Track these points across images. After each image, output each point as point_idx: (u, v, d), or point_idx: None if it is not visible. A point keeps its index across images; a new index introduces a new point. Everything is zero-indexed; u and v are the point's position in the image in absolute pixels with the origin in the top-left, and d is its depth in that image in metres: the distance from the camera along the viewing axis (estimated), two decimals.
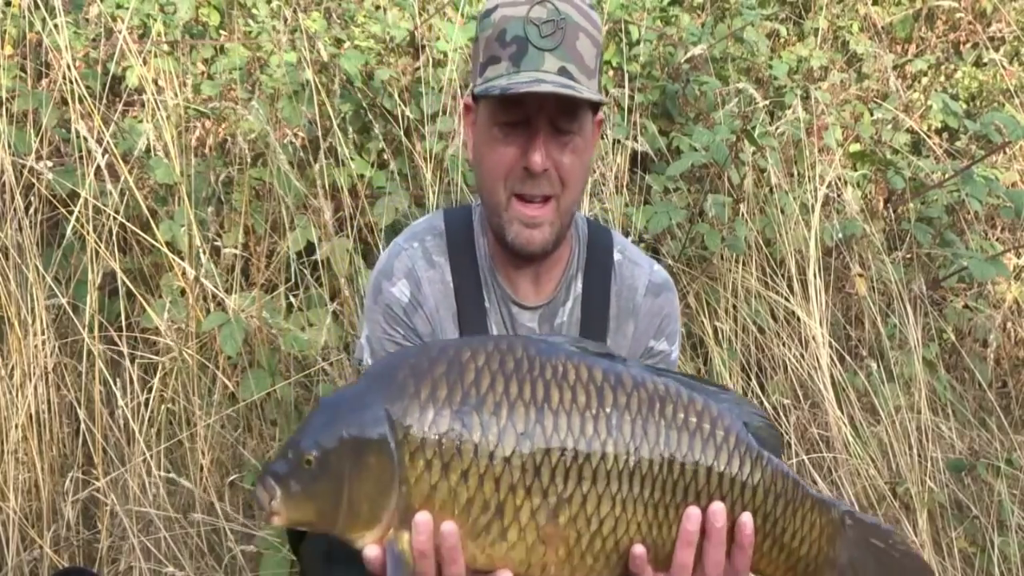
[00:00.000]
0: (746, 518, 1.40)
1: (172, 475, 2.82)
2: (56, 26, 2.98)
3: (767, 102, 3.67)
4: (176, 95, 3.18)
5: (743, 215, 3.40)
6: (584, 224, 2.01)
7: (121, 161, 2.90)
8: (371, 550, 1.30)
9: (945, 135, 4.38)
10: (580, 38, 1.71)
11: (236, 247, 3.05)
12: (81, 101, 2.93)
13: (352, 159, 3.18)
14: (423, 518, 1.27)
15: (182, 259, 2.91)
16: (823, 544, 1.48)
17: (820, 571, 1.49)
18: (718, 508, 1.37)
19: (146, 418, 2.86)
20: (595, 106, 1.79)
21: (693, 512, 1.37)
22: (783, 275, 3.38)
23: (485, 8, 1.78)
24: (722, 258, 3.41)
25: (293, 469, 1.29)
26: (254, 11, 3.65)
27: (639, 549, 1.35)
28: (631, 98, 3.56)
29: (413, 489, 1.28)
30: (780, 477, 1.44)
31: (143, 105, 3.19)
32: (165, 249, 2.89)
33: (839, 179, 3.66)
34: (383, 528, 1.30)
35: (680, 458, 1.36)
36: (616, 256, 1.97)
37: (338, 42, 3.50)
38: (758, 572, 1.49)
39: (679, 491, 1.37)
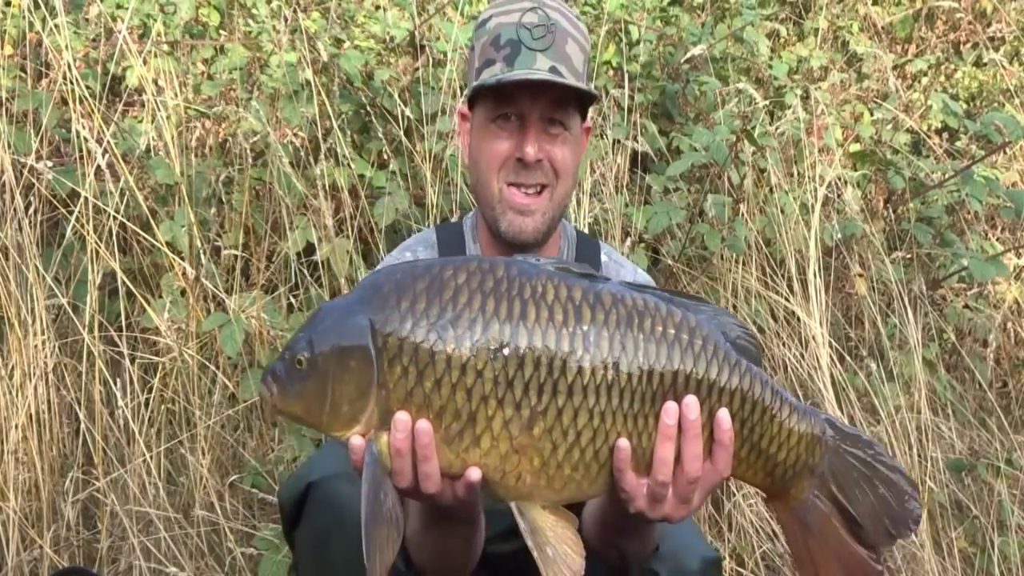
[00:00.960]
0: (723, 414, 1.43)
1: (172, 475, 2.82)
2: (56, 26, 2.98)
3: (767, 102, 3.67)
4: (176, 95, 3.18)
5: (743, 215, 3.40)
6: (572, 230, 2.09)
7: (121, 161, 2.90)
8: (355, 439, 1.38)
9: (945, 135, 4.38)
10: (569, 43, 1.83)
11: (237, 247, 3.05)
12: (81, 101, 2.93)
13: (352, 159, 3.18)
14: (402, 417, 1.35)
15: (182, 259, 2.91)
16: (802, 452, 1.50)
17: (799, 478, 1.51)
18: (691, 400, 1.41)
19: (146, 418, 2.86)
20: (583, 112, 1.90)
21: (671, 406, 1.41)
22: (783, 275, 3.38)
23: (480, 18, 1.91)
24: (722, 258, 3.41)
25: (287, 368, 1.40)
26: (254, 11, 3.65)
27: (623, 443, 1.40)
28: (631, 98, 3.56)
29: (391, 393, 1.36)
30: (758, 384, 1.47)
31: (143, 105, 3.19)
32: (166, 249, 2.89)
33: (839, 179, 3.66)
34: (363, 428, 1.38)
35: (658, 368, 1.41)
36: (603, 258, 2.06)
37: (338, 42, 3.49)
38: (738, 478, 1.52)
39: (658, 401, 1.41)
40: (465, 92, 1.93)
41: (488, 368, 1.36)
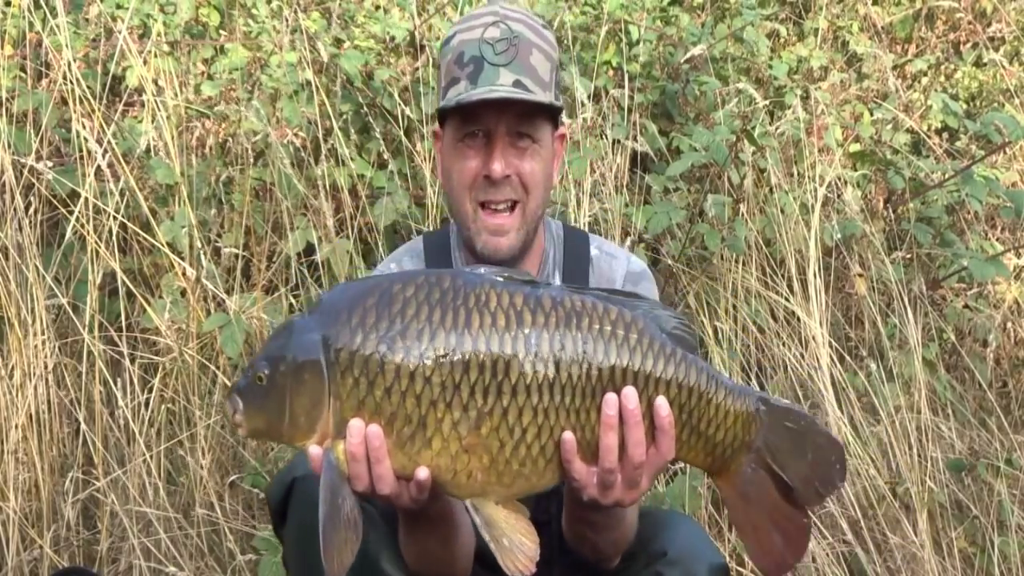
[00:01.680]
0: (660, 401, 1.52)
1: (172, 475, 2.82)
2: (56, 26, 2.98)
3: (767, 102, 3.67)
4: (176, 95, 3.18)
5: (743, 215, 3.40)
6: (559, 227, 2.09)
7: (122, 161, 2.90)
8: (313, 448, 1.46)
9: (945, 135, 4.37)
10: (533, 53, 1.84)
11: (238, 247, 3.05)
12: (81, 101, 2.93)
13: (352, 159, 3.18)
14: (356, 424, 1.43)
15: (182, 259, 2.91)
16: (739, 431, 1.60)
17: (737, 455, 1.61)
18: (629, 391, 1.50)
19: (146, 418, 2.86)
20: (554, 119, 1.91)
21: (611, 397, 1.49)
22: (783, 275, 3.38)
23: (445, 36, 1.92)
24: (722, 258, 3.41)
25: (249, 385, 1.49)
26: (254, 11, 3.65)
27: (568, 435, 1.48)
28: (631, 98, 3.56)
29: (344, 403, 1.45)
30: (694, 371, 1.55)
31: (143, 105, 3.19)
32: (166, 249, 2.89)
33: (839, 179, 3.66)
34: (320, 437, 1.47)
35: (596, 364, 1.49)
36: (593, 252, 2.06)
37: (338, 42, 3.49)
38: (680, 460, 1.61)
39: (598, 395, 1.50)
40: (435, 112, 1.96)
41: (435, 374, 1.44)
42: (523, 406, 1.46)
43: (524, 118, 1.84)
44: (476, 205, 1.87)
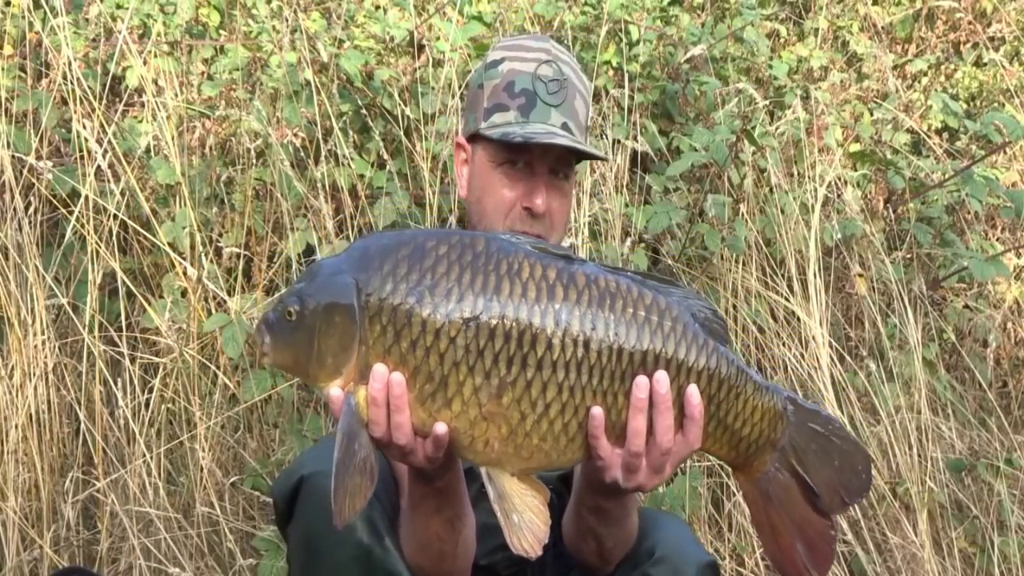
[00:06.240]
0: (692, 389, 1.51)
1: (172, 475, 2.82)
2: (56, 26, 2.98)
3: (767, 102, 3.67)
4: (176, 95, 3.18)
5: (743, 215, 3.41)
6: None
7: (123, 161, 2.90)
8: (335, 391, 1.47)
9: (945, 135, 4.37)
10: (577, 98, 1.94)
11: (239, 247, 3.05)
12: (81, 101, 2.93)
13: (352, 159, 3.18)
14: (380, 368, 1.44)
15: (183, 259, 2.91)
16: (765, 427, 1.59)
17: (762, 452, 1.60)
18: (661, 375, 1.49)
19: (146, 419, 2.86)
20: (579, 159, 2.00)
21: (642, 380, 1.48)
22: (783, 275, 3.38)
23: (491, 59, 1.97)
24: (722, 258, 3.41)
25: (278, 319, 1.49)
26: (254, 11, 3.65)
27: (596, 410, 1.47)
28: (631, 98, 3.56)
29: (371, 349, 1.45)
30: (724, 363, 1.55)
31: (143, 105, 3.19)
32: (167, 249, 2.89)
33: (839, 179, 3.66)
34: (345, 380, 1.46)
35: (628, 348, 1.48)
36: None
37: (338, 42, 3.49)
38: (705, 451, 1.60)
39: (627, 379, 1.48)
40: (467, 125, 2.00)
41: (460, 336, 1.43)
42: (548, 381, 1.45)
43: (564, 160, 1.92)
44: (509, 233, 1.90)
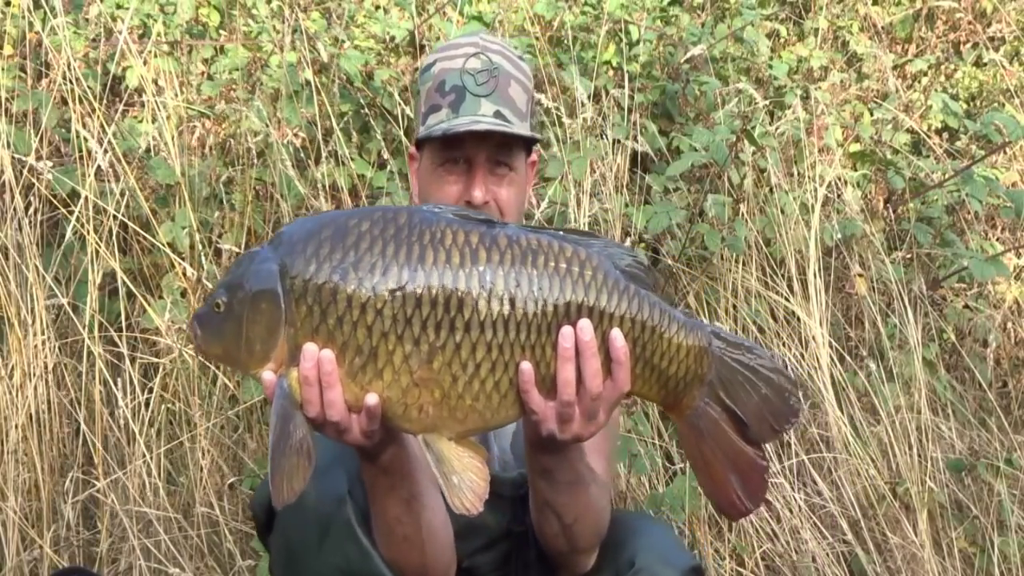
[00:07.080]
0: (616, 333, 1.54)
1: (172, 475, 2.82)
2: (56, 26, 2.98)
3: (767, 102, 3.67)
4: (176, 95, 3.18)
5: (743, 215, 3.40)
6: None
7: (123, 161, 2.90)
8: (267, 375, 1.49)
9: (945, 135, 4.37)
10: (512, 85, 1.93)
11: (239, 247, 3.05)
12: (81, 101, 2.93)
13: (352, 159, 3.18)
14: (310, 348, 1.46)
15: (183, 260, 2.91)
16: (691, 364, 1.62)
17: (690, 388, 1.63)
18: (584, 323, 1.52)
19: (146, 419, 2.86)
20: (528, 146, 1.99)
21: (567, 330, 1.52)
22: (783, 275, 3.38)
23: (424, 64, 2.00)
24: (722, 258, 3.41)
25: (208, 312, 1.53)
26: (254, 11, 3.65)
27: (526, 365, 1.50)
28: (631, 98, 3.56)
29: (299, 330, 1.48)
30: (647, 305, 1.58)
31: (143, 105, 3.19)
32: (167, 249, 2.89)
33: (839, 179, 3.66)
34: (276, 364, 1.49)
35: (551, 301, 1.52)
36: None
37: (338, 42, 3.49)
38: (635, 394, 1.64)
39: (553, 331, 1.52)
40: (414, 138, 2.03)
41: (387, 307, 1.46)
42: (476, 342, 1.48)
43: (503, 148, 1.91)
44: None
